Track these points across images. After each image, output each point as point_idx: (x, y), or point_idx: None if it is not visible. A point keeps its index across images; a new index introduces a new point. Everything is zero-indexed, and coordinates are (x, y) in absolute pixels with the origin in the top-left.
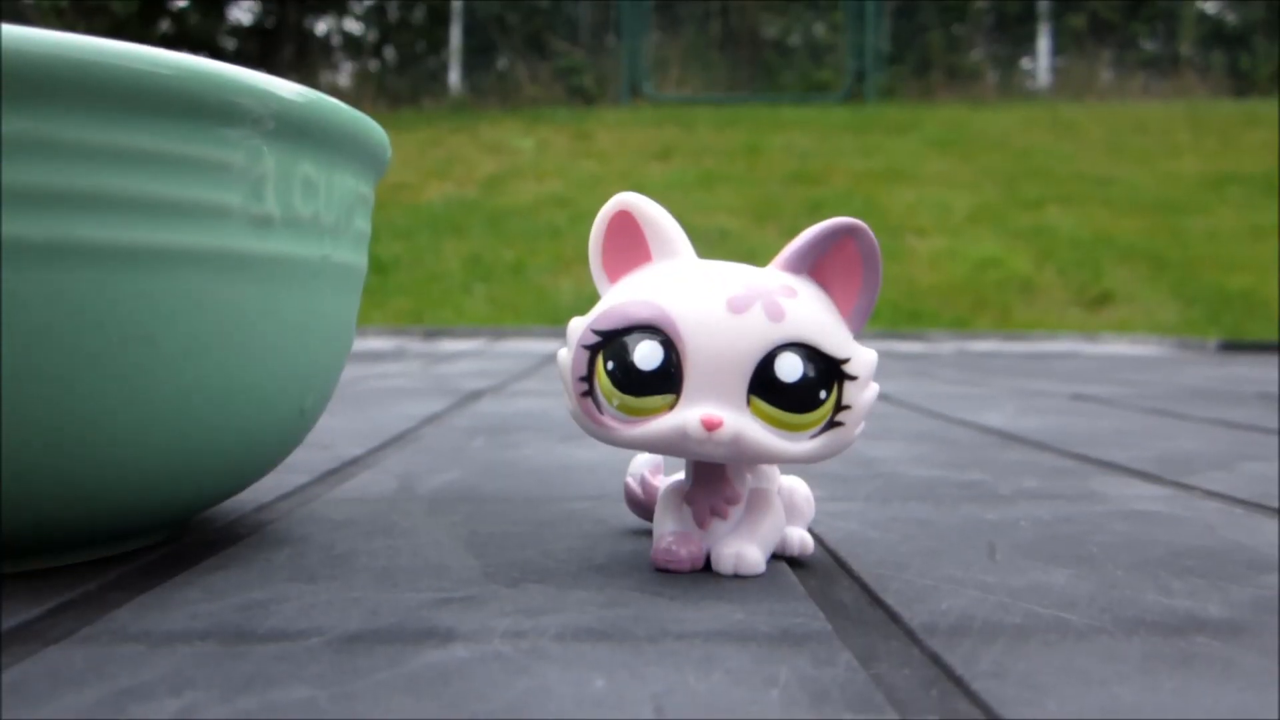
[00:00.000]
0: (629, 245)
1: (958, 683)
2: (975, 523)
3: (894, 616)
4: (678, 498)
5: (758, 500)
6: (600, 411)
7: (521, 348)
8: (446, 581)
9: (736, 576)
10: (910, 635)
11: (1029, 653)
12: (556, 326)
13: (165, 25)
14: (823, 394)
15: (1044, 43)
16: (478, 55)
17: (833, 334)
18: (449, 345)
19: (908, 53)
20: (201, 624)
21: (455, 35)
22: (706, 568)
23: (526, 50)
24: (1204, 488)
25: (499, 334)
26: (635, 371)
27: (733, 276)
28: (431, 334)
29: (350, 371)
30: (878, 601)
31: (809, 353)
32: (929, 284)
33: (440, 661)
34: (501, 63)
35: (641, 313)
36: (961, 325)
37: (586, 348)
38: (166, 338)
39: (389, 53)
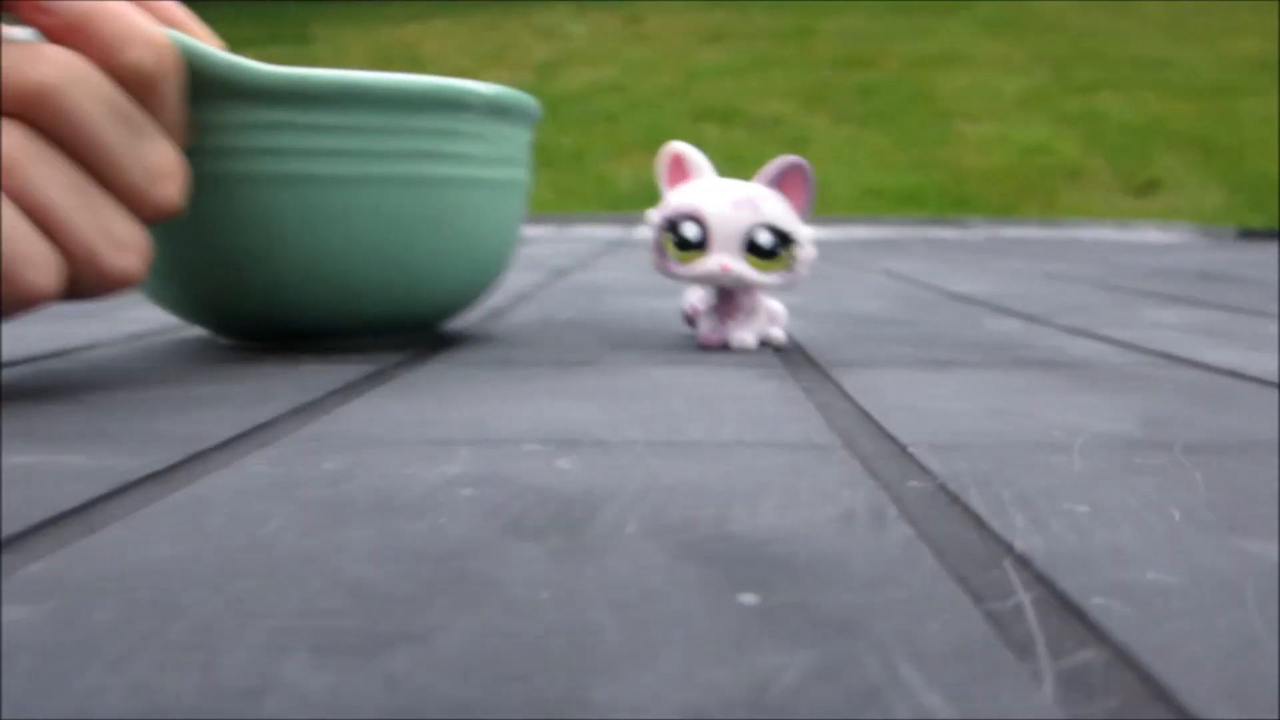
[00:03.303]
0: (679, 170)
1: (844, 393)
2: (889, 332)
3: (818, 364)
4: (710, 308)
5: (752, 309)
6: (667, 261)
7: (589, 233)
8: (589, 349)
9: (741, 349)
10: (825, 372)
11: (885, 375)
12: (619, 213)
13: None
14: (782, 252)
15: None
16: None
17: (788, 220)
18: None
19: None
20: (488, 355)
21: None
22: (725, 346)
23: None
24: (1055, 322)
25: (566, 220)
26: (684, 239)
27: (735, 188)
28: None
29: None
30: (811, 361)
31: (774, 229)
32: (976, 169)
33: (596, 371)
34: None
35: (687, 208)
36: (1007, 211)
37: (658, 227)
38: (450, 220)
39: None
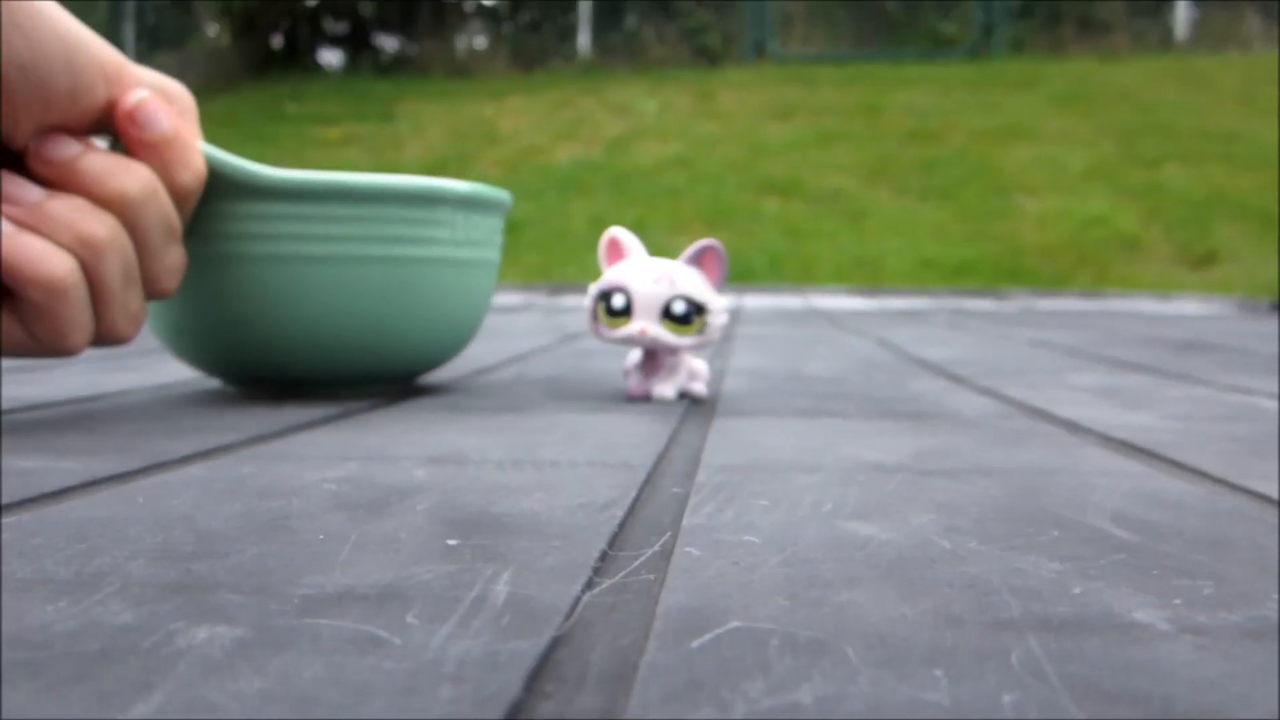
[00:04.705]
0: (615, 250)
1: (705, 434)
2: (811, 389)
3: (714, 413)
4: (637, 365)
5: (674, 366)
6: (598, 325)
7: None
8: (531, 399)
9: (661, 401)
10: (711, 418)
11: (758, 422)
12: None
13: None
14: (695, 319)
15: None
16: (606, 16)
17: (702, 292)
18: (570, 300)
19: (1039, 4)
20: (443, 402)
21: None
22: (648, 397)
23: (654, 10)
24: (974, 383)
25: None
26: (613, 308)
27: (657, 266)
28: (555, 290)
29: (492, 321)
30: (712, 410)
31: (689, 300)
32: (1032, 242)
33: (519, 415)
34: (629, 23)
35: (617, 282)
36: (1059, 283)
37: (594, 298)
38: (420, 292)
39: (522, 16)
